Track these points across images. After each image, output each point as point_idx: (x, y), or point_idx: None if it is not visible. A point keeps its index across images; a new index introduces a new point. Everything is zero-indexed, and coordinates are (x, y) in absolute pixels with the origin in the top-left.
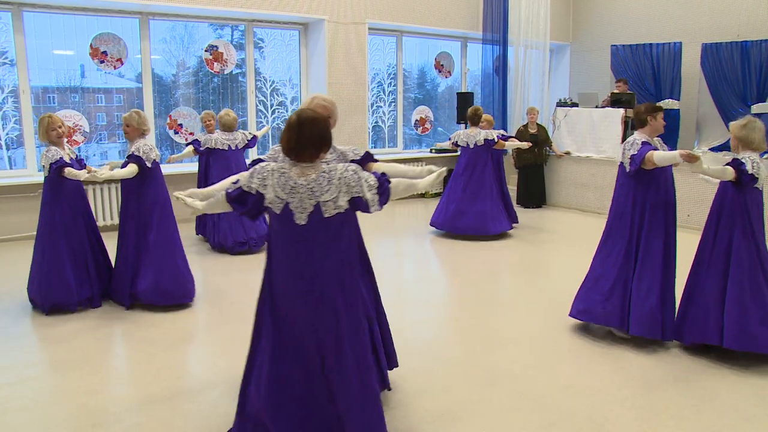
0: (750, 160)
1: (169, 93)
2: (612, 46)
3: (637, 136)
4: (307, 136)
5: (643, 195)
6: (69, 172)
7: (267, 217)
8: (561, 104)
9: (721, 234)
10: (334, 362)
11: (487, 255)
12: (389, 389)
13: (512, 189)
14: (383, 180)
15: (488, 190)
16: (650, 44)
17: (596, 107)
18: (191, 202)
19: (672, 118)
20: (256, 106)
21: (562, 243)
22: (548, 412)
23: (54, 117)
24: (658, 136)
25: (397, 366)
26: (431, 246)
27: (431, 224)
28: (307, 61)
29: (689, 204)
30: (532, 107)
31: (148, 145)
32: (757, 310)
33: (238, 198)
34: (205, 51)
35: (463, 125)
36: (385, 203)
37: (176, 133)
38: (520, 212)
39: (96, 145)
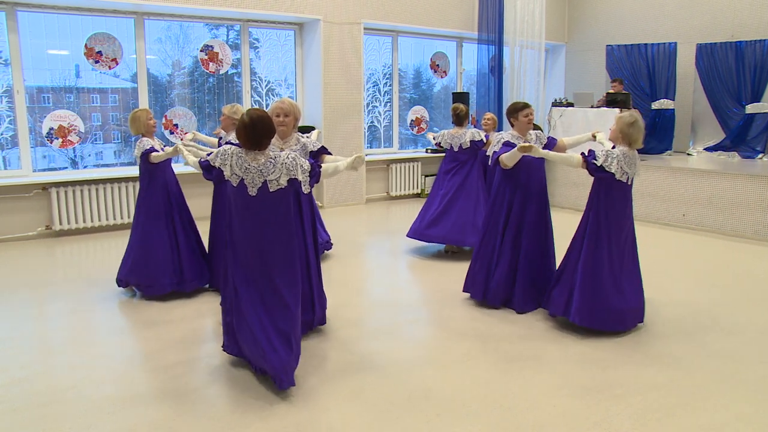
0: (606, 154)
1: (165, 93)
2: (607, 46)
3: (505, 135)
4: (260, 130)
5: (509, 185)
6: (154, 156)
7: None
8: (556, 104)
9: (583, 219)
10: (270, 282)
11: None
12: (323, 324)
13: None
14: (314, 165)
15: (469, 197)
16: (645, 44)
17: (592, 107)
18: (186, 154)
19: (667, 117)
20: (251, 106)
21: (557, 243)
22: (543, 411)
23: (148, 109)
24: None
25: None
26: (427, 245)
27: (408, 235)
28: (303, 61)
29: (684, 204)
30: None
31: None
32: (600, 292)
33: (207, 167)
34: (201, 51)
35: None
36: (316, 183)
37: (171, 133)
38: None
39: (91, 146)
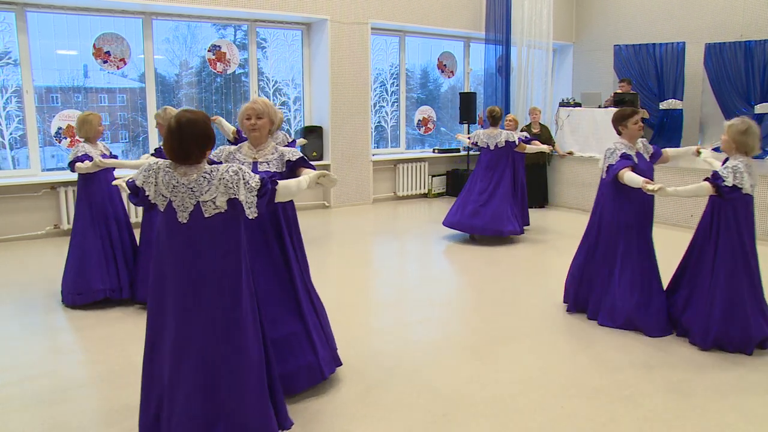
0: (732, 171)
1: (172, 93)
2: (615, 46)
3: (619, 145)
4: (188, 138)
5: (621, 201)
6: (78, 166)
7: None
8: (564, 104)
9: (712, 239)
10: (208, 350)
11: (491, 255)
12: (338, 365)
13: None
14: (266, 182)
15: (505, 191)
16: (653, 44)
17: (599, 107)
18: (124, 186)
19: (675, 118)
20: None
21: (566, 244)
22: (550, 411)
23: (100, 115)
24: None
25: (340, 365)
26: (434, 246)
27: (445, 224)
28: (310, 61)
29: (692, 204)
30: (535, 107)
31: None
32: (737, 318)
33: (132, 188)
34: (208, 51)
35: (465, 125)
36: (267, 204)
37: None
38: None
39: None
